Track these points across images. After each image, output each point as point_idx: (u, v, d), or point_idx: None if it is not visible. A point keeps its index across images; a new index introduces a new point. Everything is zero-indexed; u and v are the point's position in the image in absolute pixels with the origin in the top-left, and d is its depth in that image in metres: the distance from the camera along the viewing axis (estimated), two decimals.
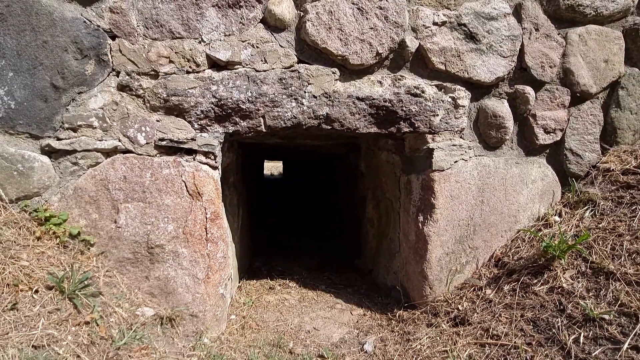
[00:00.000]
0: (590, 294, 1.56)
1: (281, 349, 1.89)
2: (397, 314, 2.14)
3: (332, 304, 2.46)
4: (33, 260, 1.50)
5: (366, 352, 1.86)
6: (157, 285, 1.79)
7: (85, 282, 1.51)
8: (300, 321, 2.23)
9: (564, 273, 1.70)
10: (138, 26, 1.76)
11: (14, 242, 1.53)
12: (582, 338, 1.43)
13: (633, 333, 1.34)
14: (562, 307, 1.58)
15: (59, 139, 1.74)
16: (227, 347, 1.81)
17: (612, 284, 1.54)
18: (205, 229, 1.83)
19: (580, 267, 1.69)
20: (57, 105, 1.73)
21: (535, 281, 1.75)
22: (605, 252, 1.68)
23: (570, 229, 1.92)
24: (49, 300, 1.38)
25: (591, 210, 1.97)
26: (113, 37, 1.76)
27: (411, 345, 1.79)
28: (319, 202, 4.46)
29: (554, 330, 1.52)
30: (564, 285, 1.64)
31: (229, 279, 2.05)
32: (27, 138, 1.74)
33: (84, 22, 1.70)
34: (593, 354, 1.35)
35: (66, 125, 1.74)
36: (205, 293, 1.83)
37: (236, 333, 2.00)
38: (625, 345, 1.32)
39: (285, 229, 4.22)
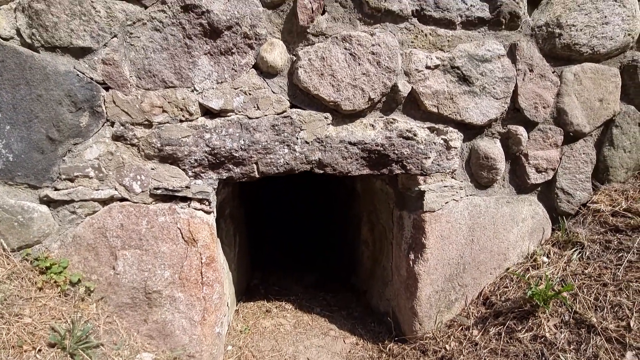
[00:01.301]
0: (572, 347, 1.62)
1: None
2: (388, 347, 2.21)
3: (326, 330, 2.55)
4: (35, 315, 1.57)
5: None
6: (156, 328, 1.86)
7: (86, 337, 1.58)
8: (294, 350, 2.32)
9: (547, 321, 1.75)
10: (131, 77, 1.77)
11: (18, 295, 1.60)
12: None
13: None
14: (544, 358, 1.64)
15: (56, 189, 1.78)
16: None
17: (593, 338, 1.59)
18: (201, 273, 1.89)
19: (564, 316, 1.74)
20: (53, 156, 1.76)
21: (520, 327, 1.81)
22: (589, 302, 1.73)
23: (558, 272, 1.96)
24: None
25: (579, 253, 2.00)
26: (107, 88, 1.77)
27: None
28: (318, 220, 4.52)
29: None
30: (547, 335, 1.70)
31: (225, 316, 2.12)
32: (25, 188, 1.78)
33: (77, 75, 1.72)
34: None
35: (63, 176, 1.78)
36: (202, 334, 1.90)
37: None
38: None
39: (284, 246, 4.30)
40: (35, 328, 1.51)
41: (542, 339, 1.70)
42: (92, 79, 1.74)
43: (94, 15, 1.69)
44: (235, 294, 2.75)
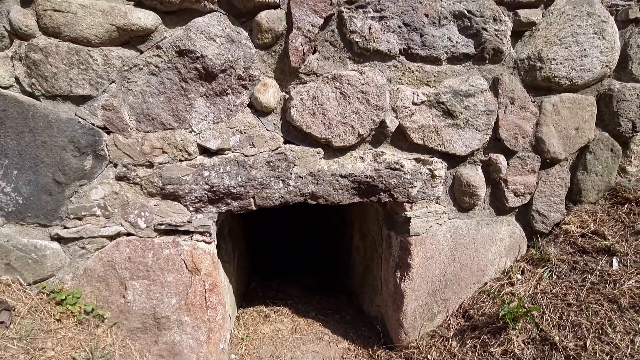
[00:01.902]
0: None
1: None
2: (377, 354, 2.44)
3: (321, 335, 2.77)
4: (57, 347, 1.73)
5: None
6: (166, 349, 2.05)
7: None
8: (292, 356, 2.54)
9: (517, 337, 1.97)
10: (130, 121, 1.85)
11: (39, 329, 1.76)
12: None
13: None
14: None
15: (66, 228, 1.90)
16: None
17: (554, 355, 1.81)
18: (205, 298, 2.06)
19: (531, 333, 1.96)
20: (61, 197, 1.86)
21: (493, 342, 2.03)
22: (553, 321, 1.94)
23: (529, 290, 2.17)
24: None
25: (549, 271, 2.21)
26: (108, 132, 1.85)
27: None
28: (315, 227, 4.70)
29: None
30: (516, 350, 1.92)
31: (227, 331, 2.31)
32: (36, 227, 1.89)
33: (79, 122, 1.79)
34: None
35: (72, 215, 1.89)
36: (208, 351, 2.10)
37: None
38: None
39: (283, 250, 4.49)
40: None
41: (512, 354, 1.93)
42: (93, 124, 1.82)
43: (91, 64, 1.74)
44: (236, 301, 2.94)
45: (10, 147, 1.77)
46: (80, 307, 1.92)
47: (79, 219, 1.91)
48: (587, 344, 1.77)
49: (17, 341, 1.67)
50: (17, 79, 1.74)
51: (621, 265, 2.01)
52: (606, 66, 2.18)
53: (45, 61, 1.70)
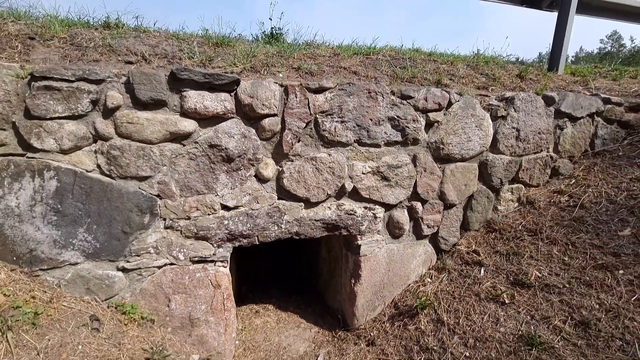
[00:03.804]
0: (433, 334, 3.06)
1: None
2: (339, 334, 3.58)
3: (299, 323, 3.85)
4: (131, 342, 2.63)
5: None
6: (197, 339, 3.01)
7: (161, 350, 2.69)
8: (279, 340, 3.60)
9: (424, 318, 3.19)
10: (176, 190, 2.74)
11: (117, 331, 2.64)
12: (423, 359, 2.93)
13: (448, 349, 2.86)
14: (419, 340, 3.08)
15: (128, 262, 2.77)
16: None
17: (442, 329, 3.04)
18: (223, 304, 3.04)
19: (432, 316, 3.19)
20: (126, 242, 2.72)
21: (410, 322, 3.23)
22: (444, 308, 3.18)
23: (434, 288, 3.40)
24: None
25: (447, 276, 3.45)
26: (160, 198, 2.73)
27: (344, 358, 3.25)
28: (293, 246, 5.69)
29: (413, 353, 3.02)
30: (422, 327, 3.14)
31: (236, 325, 3.31)
32: (108, 262, 2.74)
33: (142, 192, 2.66)
34: None
35: (133, 254, 2.76)
36: (225, 340, 3.09)
37: (242, 356, 3.32)
38: (445, 357, 2.84)
39: (266, 262, 5.43)
40: (134, 352, 2.59)
41: (420, 330, 3.14)
42: (151, 194, 2.69)
43: (151, 155, 2.61)
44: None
45: (92, 211, 2.60)
46: (138, 315, 2.81)
47: (138, 255, 2.78)
48: (460, 321, 3.02)
49: (106, 340, 2.55)
50: (98, 166, 2.56)
51: (485, 272, 3.29)
52: (483, 146, 3.43)
53: (122, 155, 2.54)
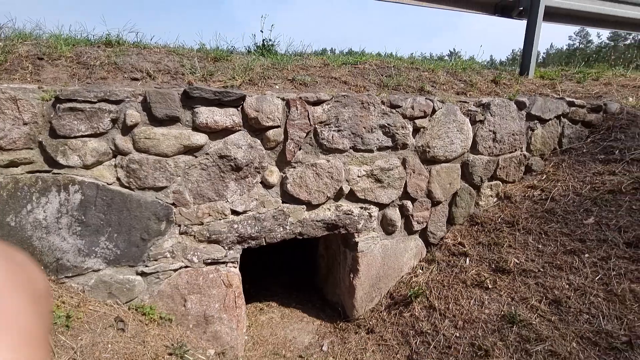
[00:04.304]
0: (426, 319, 3.41)
1: (279, 355, 3.53)
2: (340, 325, 3.88)
3: (302, 318, 4.13)
4: (153, 340, 2.85)
5: (324, 351, 3.59)
6: (211, 335, 3.25)
7: (181, 346, 2.92)
8: (284, 333, 3.87)
9: (417, 306, 3.53)
10: (190, 198, 2.98)
11: (140, 330, 2.85)
12: (418, 342, 3.27)
13: (441, 331, 3.20)
14: (414, 325, 3.42)
15: (147, 266, 2.98)
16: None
17: (434, 313, 3.39)
18: (235, 302, 3.29)
19: (424, 303, 3.53)
20: (144, 248, 2.94)
21: (405, 310, 3.57)
22: (435, 296, 3.53)
23: (426, 279, 3.75)
24: None
25: (437, 267, 3.81)
26: (175, 206, 2.96)
27: (346, 346, 3.55)
28: (293, 244, 5.94)
29: (409, 337, 3.35)
30: (416, 313, 3.47)
31: (245, 321, 3.56)
32: (128, 267, 2.95)
33: (159, 202, 2.88)
34: (421, 351, 3.21)
35: (151, 259, 2.98)
36: (237, 335, 3.34)
37: (252, 349, 3.58)
38: (438, 339, 3.18)
39: (268, 262, 5.67)
40: (157, 349, 2.81)
41: (414, 316, 3.47)
42: (167, 202, 2.92)
43: (167, 167, 2.84)
44: None
45: (113, 220, 2.81)
46: (157, 315, 3.03)
47: (156, 260, 3.00)
48: (450, 306, 3.37)
49: (131, 339, 2.77)
50: (118, 179, 2.77)
51: (470, 262, 3.66)
52: (464, 148, 3.80)
53: (140, 168, 2.76)
